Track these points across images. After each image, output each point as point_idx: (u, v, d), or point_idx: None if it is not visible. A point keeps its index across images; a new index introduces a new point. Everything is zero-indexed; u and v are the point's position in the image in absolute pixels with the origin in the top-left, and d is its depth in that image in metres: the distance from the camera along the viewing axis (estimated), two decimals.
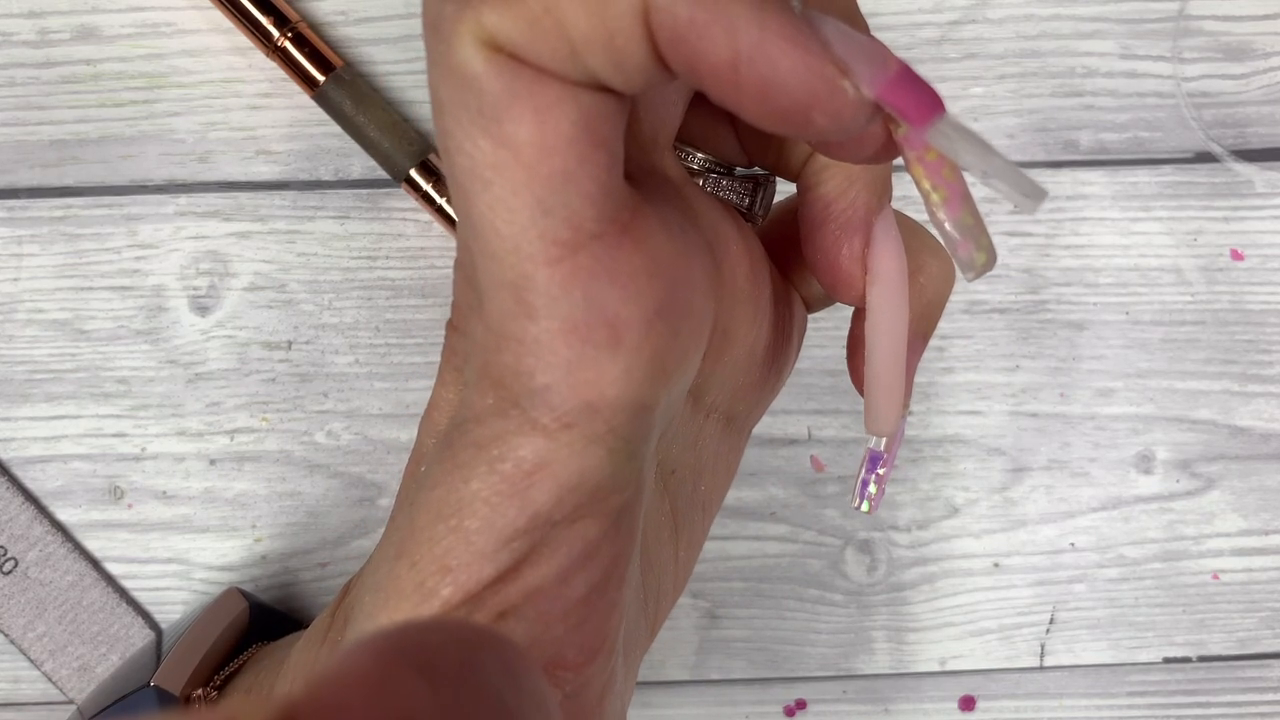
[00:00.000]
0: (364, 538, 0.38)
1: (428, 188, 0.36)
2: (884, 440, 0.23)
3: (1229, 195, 0.39)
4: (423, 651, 0.12)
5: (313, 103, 0.37)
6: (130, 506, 0.38)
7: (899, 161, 0.19)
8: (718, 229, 0.21)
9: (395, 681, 0.11)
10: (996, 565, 0.39)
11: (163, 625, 0.38)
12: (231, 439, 0.38)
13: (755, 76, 0.16)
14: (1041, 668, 0.39)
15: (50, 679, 0.37)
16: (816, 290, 0.24)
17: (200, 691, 0.30)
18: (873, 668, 0.39)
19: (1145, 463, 0.39)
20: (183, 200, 0.37)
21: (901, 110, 0.18)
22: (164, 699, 0.29)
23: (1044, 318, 0.39)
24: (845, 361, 0.24)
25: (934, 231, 0.22)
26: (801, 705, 0.39)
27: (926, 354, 0.38)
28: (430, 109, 0.18)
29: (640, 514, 0.21)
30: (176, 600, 0.38)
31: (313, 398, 0.38)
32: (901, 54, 0.38)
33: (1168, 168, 0.39)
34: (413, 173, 0.36)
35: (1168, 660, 0.39)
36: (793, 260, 0.24)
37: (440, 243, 0.38)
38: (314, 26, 0.37)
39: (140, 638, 0.37)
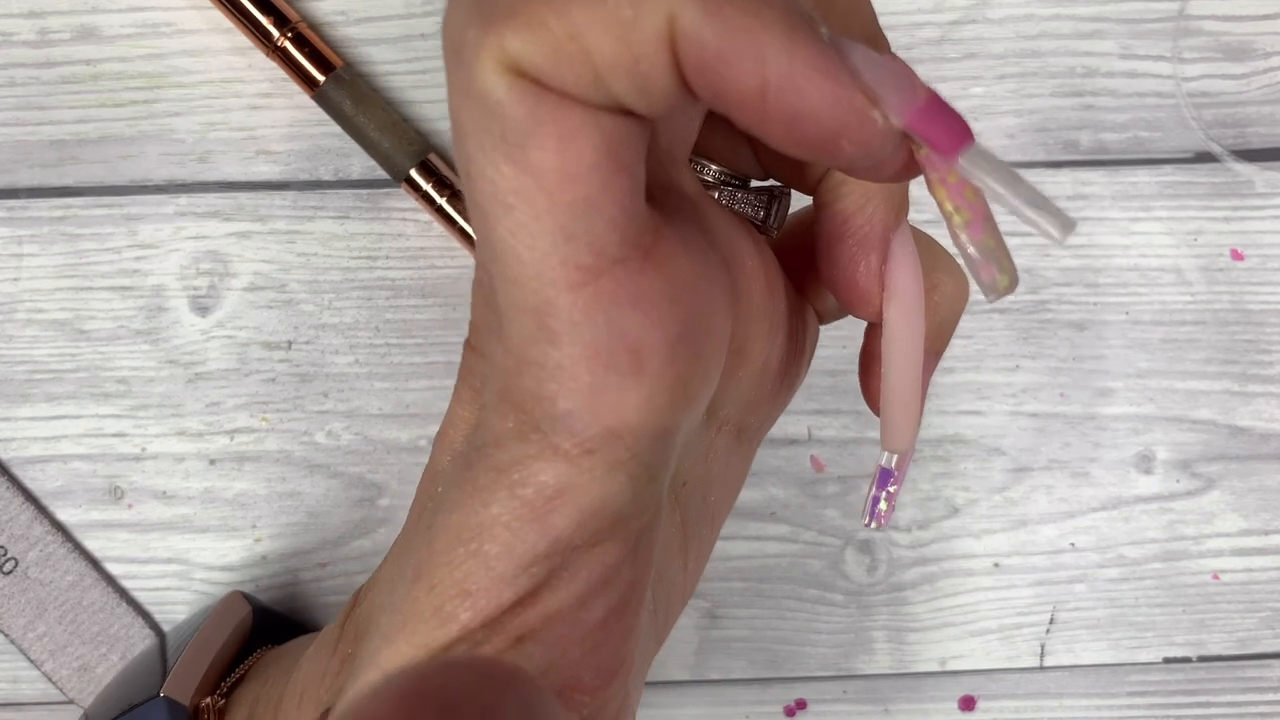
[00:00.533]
0: (364, 538, 0.38)
1: (428, 188, 0.36)
2: (894, 457, 0.23)
3: (1229, 195, 0.39)
4: (446, 694, 0.12)
5: (313, 103, 0.37)
6: (130, 506, 0.38)
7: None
8: (734, 244, 0.21)
9: None
10: (997, 565, 0.39)
11: (163, 625, 0.38)
12: (231, 439, 0.38)
13: (784, 106, 0.16)
14: (1042, 668, 0.39)
15: (50, 679, 0.37)
16: (830, 302, 0.24)
17: (209, 701, 0.30)
18: (873, 668, 0.39)
19: (1145, 463, 0.39)
20: (183, 200, 0.37)
21: (930, 140, 0.17)
22: (174, 710, 0.29)
23: (1044, 318, 0.39)
24: (848, 364, 0.24)
25: (952, 250, 0.22)
26: (802, 705, 0.39)
27: None
28: (448, 128, 0.18)
29: (659, 536, 0.21)
30: (176, 600, 0.38)
31: (313, 398, 0.38)
32: (902, 54, 0.38)
33: (1168, 168, 0.39)
34: (413, 173, 0.36)
35: (1168, 660, 0.39)
36: (806, 273, 0.24)
37: (440, 243, 0.38)
38: (314, 26, 0.37)
39: (140, 638, 0.37)
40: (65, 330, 0.37)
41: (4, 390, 0.37)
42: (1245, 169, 0.39)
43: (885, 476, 0.23)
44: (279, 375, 0.38)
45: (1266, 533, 0.39)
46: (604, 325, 0.18)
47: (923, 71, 0.38)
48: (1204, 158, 0.39)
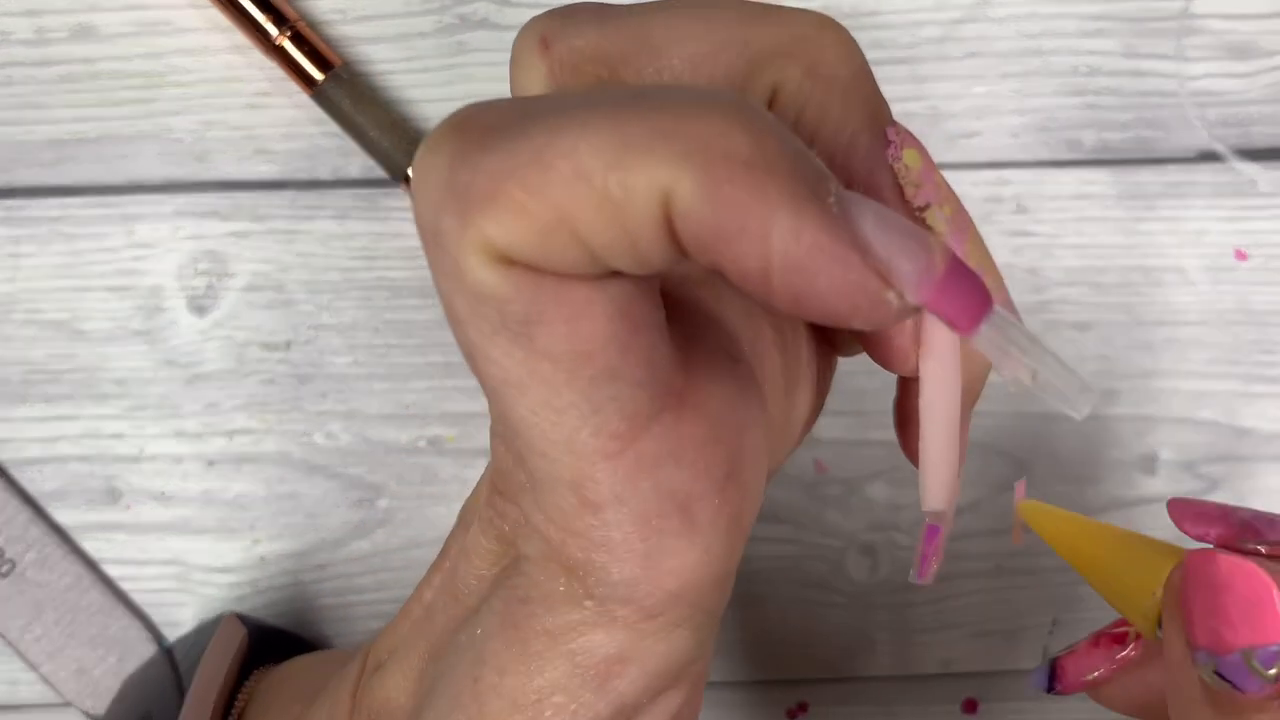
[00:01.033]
0: (363, 539, 0.38)
1: None
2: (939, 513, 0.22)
3: (1233, 195, 0.39)
4: None
5: (311, 102, 0.36)
6: (128, 508, 0.38)
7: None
8: (750, 323, 0.20)
9: None
10: (999, 567, 0.39)
11: (161, 627, 0.38)
12: (230, 440, 0.38)
13: (790, 287, 0.15)
14: None
15: (48, 681, 0.37)
16: (850, 342, 0.23)
17: None
18: (875, 670, 0.39)
19: (1149, 463, 0.39)
20: (181, 200, 0.37)
21: (949, 320, 0.16)
22: None
23: (1048, 318, 0.39)
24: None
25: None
26: (803, 708, 0.39)
27: None
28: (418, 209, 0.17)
29: (710, 657, 0.20)
30: (175, 602, 0.38)
31: (311, 398, 0.38)
32: (903, 53, 0.38)
33: (1171, 167, 0.39)
34: (411, 171, 0.36)
35: None
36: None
37: None
38: (312, 25, 0.37)
39: (138, 640, 0.37)
40: (62, 330, 0.37)
41: (1, 391, 0.37)
42: (1249, 168, 0.39)
43: (933, 531, 0.22)
44: (277, 376, 0.38)
45: None
46: (650, 490, 0.17)
47: (925, 71, 0.38)
48: (1208, 157, 0.39)
